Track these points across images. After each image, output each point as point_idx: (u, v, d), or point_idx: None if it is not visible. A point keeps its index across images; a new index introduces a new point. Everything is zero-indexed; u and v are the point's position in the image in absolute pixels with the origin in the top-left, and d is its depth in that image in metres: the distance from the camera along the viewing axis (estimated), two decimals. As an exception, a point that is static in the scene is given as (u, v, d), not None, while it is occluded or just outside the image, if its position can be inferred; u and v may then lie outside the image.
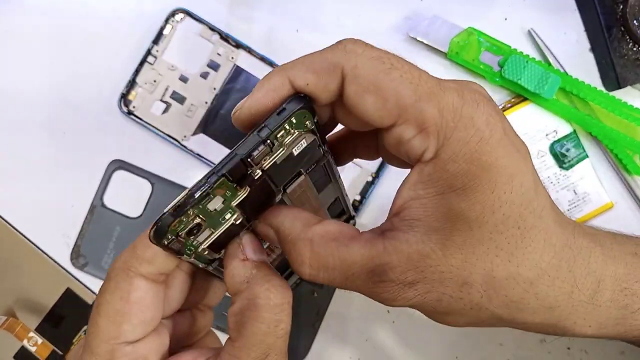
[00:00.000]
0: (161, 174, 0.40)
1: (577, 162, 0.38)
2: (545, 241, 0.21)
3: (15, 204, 0.40)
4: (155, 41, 0.40)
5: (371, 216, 0.40)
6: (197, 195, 0.20)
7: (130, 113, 0.40)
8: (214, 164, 0.39)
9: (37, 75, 0.40)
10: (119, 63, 0.40)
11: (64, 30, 0.40)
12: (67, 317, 0.40)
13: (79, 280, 0.40)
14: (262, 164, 0.21)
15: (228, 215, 0.22)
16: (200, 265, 0.23)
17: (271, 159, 0.21)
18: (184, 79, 0.40)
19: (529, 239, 0.21)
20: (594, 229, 0.24)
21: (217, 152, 0.40)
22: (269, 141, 0.20)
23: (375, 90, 0.20)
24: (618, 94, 0.38)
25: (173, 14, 0.39)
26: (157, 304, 0.22)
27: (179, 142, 0.40)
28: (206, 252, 0.22)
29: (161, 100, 0.40)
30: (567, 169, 0.38)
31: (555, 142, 0.38)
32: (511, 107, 0.39)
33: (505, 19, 0.40)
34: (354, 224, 0.33)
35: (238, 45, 0.39)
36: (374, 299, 0.22)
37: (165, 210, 0.20)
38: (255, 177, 0.21)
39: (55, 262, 0.40)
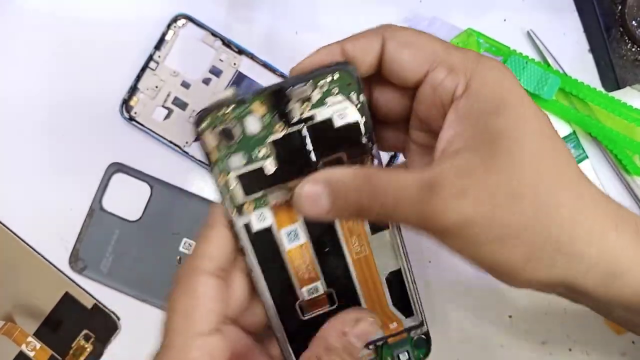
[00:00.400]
0: (161, 178, 0.40)
1: (577, 162, 0.38)
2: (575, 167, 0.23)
3: (14, 208, 0.40)
4: (157, 47, 0.39)
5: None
6: (237, 97, 0.22)
7: (131, 119, 0.39)
8: None
9: (38, 79, 0.40)
10: (121, 68, 0.40)
11: (65, 35, 0.40)
12: (65, 322, 0.40)
13: (77, 285, 0.40)
14: (302, 109, 0.23)
15: (262, 152, 0.23)
16: (232, 213, 0.24)
17: (310, 110, 0.23)
18: (186, 85, 0.40)
19: (567, 157, 0.23)
20: None
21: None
22: (309, 83, 0.22)
23: (411, 44, 0.23)
24: (617, 94, 0.39)
25: (175, 19, 0.39)
26: (221, 297, 0.24)
27: (180, 148, 0.39)
28: (236, 185, 0.23)
29: (163, 106, 0.40)
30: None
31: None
32: None
33: (505, 20, 0.40)
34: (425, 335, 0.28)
35: (240, 51, 0.39)
36: (425, 219, 0.21)
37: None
38: (293, 120, 0.23)
39: (54, 266, 0.40)
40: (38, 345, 0.39)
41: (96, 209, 0.40)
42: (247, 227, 0.24)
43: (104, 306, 0.40)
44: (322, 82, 0.23)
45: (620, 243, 0.22)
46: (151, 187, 0.40)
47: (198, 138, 0.23)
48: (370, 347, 0.27)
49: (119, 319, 0.40)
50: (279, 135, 0.23)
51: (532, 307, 0.40)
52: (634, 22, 0.38)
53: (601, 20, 0.38)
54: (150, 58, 0.39)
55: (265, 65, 0.39)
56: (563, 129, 0.39)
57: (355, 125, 0.23)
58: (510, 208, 0.21)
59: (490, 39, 0.39)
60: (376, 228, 0.25)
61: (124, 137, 0.40)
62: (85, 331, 0.40)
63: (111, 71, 0.40)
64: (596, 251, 0.22)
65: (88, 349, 0.40)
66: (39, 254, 0.40)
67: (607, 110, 0.38)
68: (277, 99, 0.23)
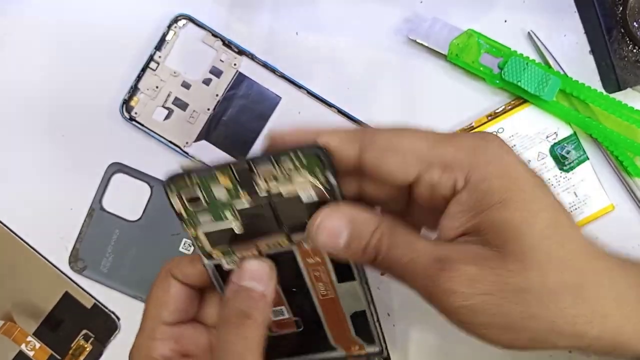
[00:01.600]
0: (161, 178, 0.40)
1: (578, 164, 0.38)
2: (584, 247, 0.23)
3: (13, 207, 0.40)
4: (158, 47, 0.39)
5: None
6: (203, 168, 0.23)
7: (132, 119, 0.39)
8: None
9: (38, 79, 0.40)
10: (121, 68, 0.40)
11: (65, 35, 0.40)
12: (65, 321, 0.40)
13: (77, 284, 0.40)
14: (268, 183, 0.23)
15: (229, 216, 0.24)
16: (202, 256, 0.26)
17: (278, 187, 0.23)
18: (186, 85, 0.40)
19: (574, 246, 0.23)
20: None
21: (219, 158, 0.40)
22: (274, 160, 0.22)
23: (392, 151, 0.23)
24: (618, 96, 0.38)
25: (176, 20, 0.39)
26: (190, 302, 0.28)
27: (180, 148, 0.39)
28: (203, 239, 0.25)
29: (163, 107, 0.40)
30: (567, 171, 0.38)
31: (555, 144, 0.38)
32: (511, 109, 0.39)
33: (505, 21, 0.40)
34: None
35: (241, 51, 0.39)
36: (431, 291, 0.22)
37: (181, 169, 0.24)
38: (259, 192, 0.23)
39: (54, 265, 0.40)
40: (37, 344, 0.39)
41: (96, 209, 0.40)
42: (218, 267, 0.26)
43: (104, 306, 0.40)
44: (286, 164, 0.22)
45: (620, 319, 0.23)
46: (151, 187, 0.40)
47: (166, 198, 0.24)
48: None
49: (118, 319, 0.40)
50: (244, 204, 0.24)
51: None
52: (635, 24, 0.37)
53: (602, 21, 0.38)
54: (151, 58, 0.39)
55: (266, 65, 0.39)
56: (564, 130, 0.39)
57: (324, 203, 0.23)
58: (516, 301, 0.22)
59: (491, 39, 0.38)
60: (343, 278, 0.26)
61: (124, 138, 0.40)
62: (84, 331, 0.40)
63: (111, 71, 0.40)
64: (597, 330, 0.22)
65: (87, 349, 0.40)
66: (38, 253, 0.40)
67: (608, 111, 0.38)
68: (243, 175, 0.23)
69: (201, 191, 0.24)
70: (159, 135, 0.39)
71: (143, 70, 0.39)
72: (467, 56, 0.38)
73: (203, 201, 0.24)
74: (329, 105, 0.39)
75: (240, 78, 0.40)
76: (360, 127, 0.24)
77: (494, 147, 0.23)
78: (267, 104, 0.40)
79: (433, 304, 0.23)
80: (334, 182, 0.23)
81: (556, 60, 0.39)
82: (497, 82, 0.38)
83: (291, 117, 0.40)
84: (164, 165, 0.40)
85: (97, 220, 0.40)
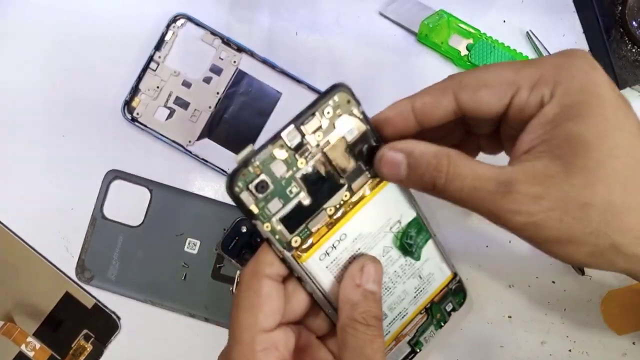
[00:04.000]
0: (164, 179, 0.40)
1: (423, 245, 0.31)
2: None
3: (13, 207, 0.40)
4: (157, 47, 0.40)
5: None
6: (258, 150, 0.24)
7: (134, 120, 0.39)
8: (219, 168, 0.39)
9: (38, 81, 0.40)
10: (121, 69, 0.40)
11: (64, 37, 0.40)
12: (65, 322, 0.40)
13: (77, 284, 0.40)
14: (317, 139, 0.24)
15: (294, 189, 0.25)
16: (279, 248, 0.25)
17: (325, 137, 0.25)
18: (187, 85, 0.40)
19: None
20: None
21: (222, 156, 0.40)
22: (316, 113, 0.24)
23: (482, 86, 0.24)
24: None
25: (174, 19, 0.39)
26: (281, 298, 0.26)
27: (183, 147, 0.39)
28: (280, 228, 0.25)
29: (165, 106, 0.40)
30: (417, 258, 0.31)
31: (400, 233, 0.30)
32: (351, 209, 0.27)
33: (504, 21, 0.40)
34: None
35: (240, 49, 0.39)
36: (496, 213, 0.23)
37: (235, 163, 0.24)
38: (312, 151, 0.24)
39: (54, 265, 0.40)
40: (38, 345, 0.39)
41: (98, 218, 0.40)
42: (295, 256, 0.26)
43: (104, 306, 0.40)
44: (326, 109, 0.24)
45: None
46: (150, 191, 0.40)
47: (235, 201, 0.24)
48: (422, 312, 0.32)
49: (119, 318, 0.40)
50: (304, 169, 0.25)
51: (532, 308, 0.40)
52: (634, 23, 0.38)
53: (601, 21, 0.38)
54: (151, 58, 0.39)
55: (265, 62, 0.39)
56: (406, 214, 0.31)
57: (364, 134, 0.25)
58: (579, 216, 0.22)
59: (462, 21, 0.38)
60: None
61: (126, 138, 0.40)
62: (85, 331, 0.40)
63: (111, 72, 0.40)
64: None
65: (88, 349, 0.39)
66: (39, 254, 0.40)
67: None
68: (292, 135, 0.24)
69: (264, 173, 0.24)
70: (162, 135, 0.39)
71: (143, 70, 0.39)
72: (437, 36, 0.38)
73: (270, 182, 0.24)
74: None
75: (240, 75, 0.40)
76: (444, 79, 0.26)
77: (579, 62, 0.23)
78: (268, 100, 0.40)
79: (500, 224, 0.24)
80: (362, 109, 0.25)
81: (555, 60, 0.39)
82: (466, 64, 0.38)
83: (292, 112, 0.40)
84: (166, 165, 0.40)
85: (100, 229, 0.40)
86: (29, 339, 0.39)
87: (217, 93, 0.40)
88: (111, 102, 0.40)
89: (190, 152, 0.39)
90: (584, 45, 0.40)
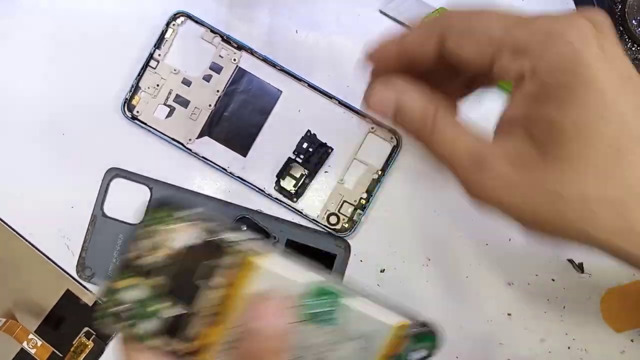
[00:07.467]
0: (164, 177, 0.40)
1: (336, 307, 0.27)
2: None
3: (14, 205, 0.40)
4: (157, 45, 0.39)
5: (378, 215, 0.40)
6: (107, 288, 0.24)
7: (134, 118, 0.39)
8: (219, 166, 0.39)
9: (38, 79, 0.40)
10: (121, 68, 0.40)
11: (64, 35, 0.40)
12: (67, 319, 0.40)
13: (78, 282, 0.40)
14: (161, 256, 0.24)
15: (159, 305, 0.24)
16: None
17: (164, 251, 0.24)
18: (186, 82, 0.40)
19: (626, 162, 0.21)
20: None
21: (222, 154, 0.40)
22: (136, 239, 0.23)
23: (469, 33, 0.22)
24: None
25: (174, 17, 0.39)
26: None
27: (183, 145, 0.39)
28: (162, 341, 0.25)
29: (165, 104, 0.40)
30: (334, 323, 0.27)
31: (298, 306, 0.26)
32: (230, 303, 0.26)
33: (505, 19, 0.40)
34: None
35: (240, 47, 0.39)
36: (471, 187, 0.23)
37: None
38: (159, 267, 0.24)
39: (55, 263, 0.40)
40: (39, 342, 0.39)
41: (98, 216, 0.40)
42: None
43: (105, 304, 0.40)
44: (144, 231, 0.23)
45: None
46: (150, 189, 0.40)
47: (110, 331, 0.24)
48: None
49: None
50: (159, 285, 0.24)
51: (532, 305, 0.40)
52: (634, 21, 0.38)
53: (601, 19, 0.38)
54: (151, 56, 0.39)
55: (266, 60, 0.39)
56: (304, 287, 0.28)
57: (192, 235, 0.24)
58: (549, 207, 0.22)
59: None
60: None
61: (126, 137, 0.40)
62: (86, 329, 0.40)
63: (111, 70, 0.40)
64: (635, 247, 0.22)
65: (89, 347, 0.40)
66: (40, 251, 0.40)
67: None
68: (132, 266, 0.24)
69: (124, 302, 0.24)
70: (162, 133, 0.39)
71: (143, 68, 0.39)
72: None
73: (133, 308, 0.24)
74: (330, 97, 0.39)
75: (240, 73, 0.40)
76: (436, 18, 0.23)
77: (572, 34, 0.21)
78: (268, 97, 0.40)
79: (470, 199, 0.23)
80: (187, 212, 0.24)
81: (555, 58, 0.39)
82: None
83: (293, 110, 0.40)
84: (165, 164, 0.40)
85: (100, 227, 0.40)
86: (31, 336, 0.39)
87: (217, 91, 0.40)
88: (111, 100, 0.40)
89: (190, 150, 0.40)
90: (584, 43, 0.40)
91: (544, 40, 0.21)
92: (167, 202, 0.24)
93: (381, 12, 0.40)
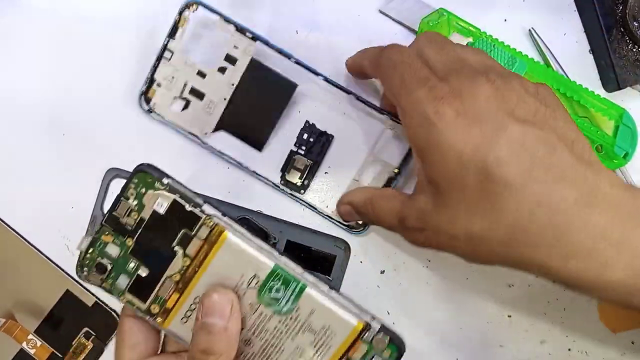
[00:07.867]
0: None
1: (297, 297, 0.28)
2: (516, 201, 0.25)
3: (14, 204, 0.40)
4: (171, 35, 0.38)
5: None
6: (91, 239, 0.28)
7: (150, 111, 0.39)
8: (234, 159, 0.39)
9: (39, 78, 0.40)
10: (133, 60, 0.39)
11: (72, 28, 0.40)
12: (66, 319, 0.40)
13: (78, 282, 0.40)
14: (134, 219, 0.27)
15: (132, 265, 0.28)
16: (143, 316, 0.28)
17: (139, 215, 0.27)
18: (202, 74, 0.39)
19: (494, 201, 0.26)
20: None
21: (237, 148, 0.39)
22: (121, 198, 0.27)
23: (383, 79, 0.32)
24: (618, 95, 0.39)
25: (187, 5, 0.38)
26: (144, 335, 0.28)
27: (199, 139, 0.39)
28: (132, 299, 0.28)
29: (180, 97, 0.39)
30: (288, 312, 0.28)
31: (261, 288, 0.28)
32: (196, 273, 0.28)
33: (505, 20, 0.40)
34: None
35: (254, 37, 0.38)
36: (407, 238, 0.31)
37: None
38: (133, 228, 0.27)
39: (54, 263, 0.40)
40: (39, 343, 0.39)
41: (98, 216, 0.40)
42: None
43: (105, 304, 0.40)
44: (129, 192, 0.27)
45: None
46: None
47: (87, 283, 0.28)
48: None
49: (119, 316, 0.40)
50: (133, 246, 0.28)
51: (532, 307, 0.40)
52: (635, 23, 0.38)
53: (602, 20, 0.38)
54: (165, 47, 0.38)
55: (280, 51, 0.38)
56: (262, 267, 0.28)
57: (174, 203, 0.27)
58: (451, 245, 0.28)
59: (462, 19, 0.38)
60: None
61: (127, 135, 0.40)
62: (85, 329, 0.40)
63: (120, 64, 0.39)
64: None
65: (88, 347, 0.40)
66: (39, 251, 0.40)
67: (581, 102, 0.37)
68: (111, 221, 0.28)
69: (101, 257, 0.28)
70: (179, 126, 0.39)
71: (158, 60, 0.38)
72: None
73: (108, 263, 0.28)
74: (347, 92, 0.38)
75: (255, 65, 0.39)
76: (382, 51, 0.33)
77: (429, 106, 0.27)
78: (283, 90, 0.39)
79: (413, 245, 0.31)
80: (167, 180, 0.27)
81: (556, 59, 0.39)
82: None
83: (308, 102, 0.39)
84: (181, 156, 0.40)
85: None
86: (30, 336, 0.39)
87: (232, 84, 0.39)
88: (124, 94, 0.39)
89: (207, 144, 0.39)
90: (584, 44, 0.40)
91: (409, 110, 0.28)
92: (153, 169, 0.27)
93: (381, 12, 0.40)
